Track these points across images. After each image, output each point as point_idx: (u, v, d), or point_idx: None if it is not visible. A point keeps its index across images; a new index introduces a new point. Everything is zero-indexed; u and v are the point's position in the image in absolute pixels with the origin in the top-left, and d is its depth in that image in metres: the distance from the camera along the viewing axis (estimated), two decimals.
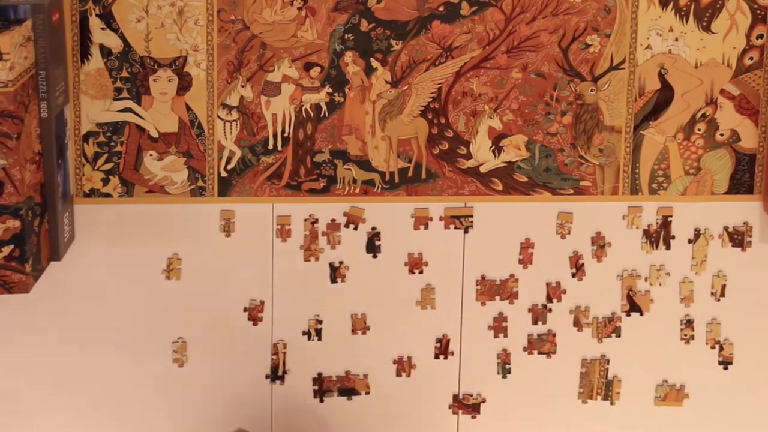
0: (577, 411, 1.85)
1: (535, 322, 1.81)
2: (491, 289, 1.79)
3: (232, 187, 1.74)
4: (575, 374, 1.84)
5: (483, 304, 1.80)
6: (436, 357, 1.81)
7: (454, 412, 1.84)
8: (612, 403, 1.85)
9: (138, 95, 1.70)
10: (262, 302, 1.77)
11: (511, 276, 1.80)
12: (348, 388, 1.81)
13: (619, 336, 1.82)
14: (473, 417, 1.84)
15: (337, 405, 1.82)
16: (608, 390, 1.84)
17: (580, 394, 1.85)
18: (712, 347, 1.83)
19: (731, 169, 1.78)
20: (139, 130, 1.71)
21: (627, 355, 1.83)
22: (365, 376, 1.81)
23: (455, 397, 1.84)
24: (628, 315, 1.82)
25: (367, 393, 1.81)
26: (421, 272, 1.78)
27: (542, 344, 1.83)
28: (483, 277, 1.79)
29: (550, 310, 1.81)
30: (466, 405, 1.84)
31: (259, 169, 1.74)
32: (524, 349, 1.82)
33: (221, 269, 1.76)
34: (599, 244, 1.80)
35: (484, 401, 1.84)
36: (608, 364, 1.84)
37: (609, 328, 1.82)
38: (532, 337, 1.82)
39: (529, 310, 1.81)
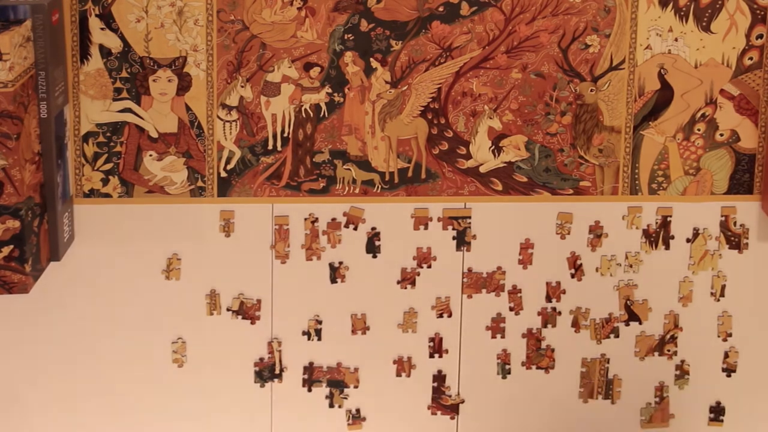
0: (578, 410, 1.85)
1: (545, 325, 1.81)
2: (484, 284, 1.80)
3: (232, 187, 1.74)
4: (576, 373, 1.84)
5: (470, 295, 1.80)
6: (431, 356, 1.81)
7: (452, 418, 1.84)
8: (613, 402, 1.85)
9: (138, 95, 1.70)
10: (259, 301, 1.77)
11: (514, 287, 1.80)
12: (337, 380, 1.81)
13: (617, 336, 1.82)
14: (471, 417, 1.84)
15: None
16: (609, 389, 1.84)
17: (580, 393, 1.85)
18: (724, 340, 1.83)
19: (731, 169, 1.78)
20: (138, 131, 1.71)
21: (626, 354, 1.83)
22: (356, 369, 1.81)
23: (455, 397, 1.84)
24: (627, 324, 1.82)
25: (356, 387, 1.82)
26: (429, 266, 1.78)
27: (542, 359, 1.83)
28: (491, 276, 1.80)
29: (554, 309, 1.81)
30: (463, 405, 1.84)
31: (259, 169, 1.74)
32: (525, 354, 1.82)
33: (221, 269, 1.76)
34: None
35: (481, 401, 1.84)
36: (608, 363, 1.84)
37: (607, 328, 1.82)
38: (532, 335, 1.82)
39: (539, 313, 1.81)
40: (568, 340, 1.82)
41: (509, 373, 1.83)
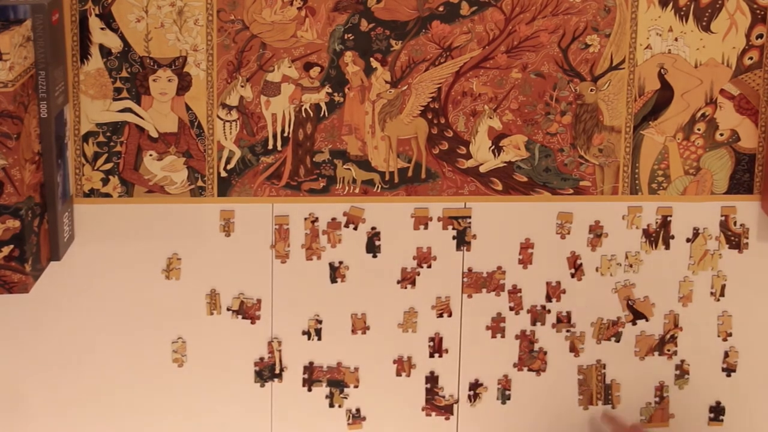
0: (577, 409, 1.85)
1: (533, 323, 1.82)
2: (485, 284, 1.80)
3: (232, 187, 1.74)
4: (574, 374, 1.84)
5: (470, 295, 1.80)
6: (431, 356, 1.81)
7: (446, 419, 1.84)
8: (614, 407, 1.85)
9: (138, 95, 1.70)
10: (259, 300, 1.77)
11: (514, 287, 1.80)
12: (337, 380, 1.81)
13: (618, 341, 1.82)
14: (471, 417, 1.84)
15: None
16: (608, 394, 1.84)
17: (580, 401, 1.85)
18: (724, 340, 1.83)
19: (731, 169, 1.78)
20: (138, 130, 1.71)
21: (626, 355, 1.83)
22: (356, 369, 1.81)
23: (452, 398, 1.84)
24: (634, 324, 1.82)
25: (356, 387, 1.81)
26: (429, 266, 1.78)
27: (534, 362, 1.83)
28: (491, 276, 1.80)
29: (549, 311, 1.81)
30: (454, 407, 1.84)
31: (259, 169, 1.74)
32: (520, 357, 1.82)
33: (221, 269, 1.76)
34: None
35: (481, 402, 1.84)
36: (605, 368, 1.83)
37: (611, 331, 1.82)
38: (530, 339, 1.82)
39: (528, 311, 1.81)
40: (565, 341, 1.82)
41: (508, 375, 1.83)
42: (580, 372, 1.83)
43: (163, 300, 1.76)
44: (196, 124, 1.72)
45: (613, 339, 1.82)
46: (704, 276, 1.81)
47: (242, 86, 1.71)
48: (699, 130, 1.77)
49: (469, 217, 1.77)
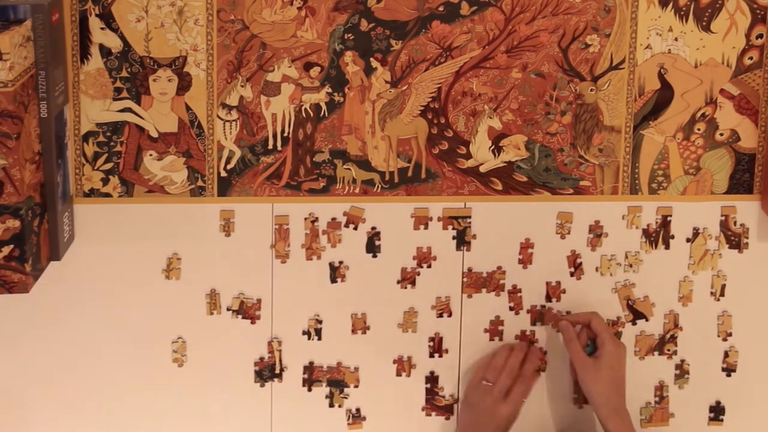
0: (575, 410, 1.85)
1: (533, 323, 1.82)
2: (484, 284, 1.80)
3: (232, 186, 1.74)
4: (569, 378, 1.84)
5: (470, 295, 1.80)
6: (431, 356, 1.81)
7: (447, 419, 1.84)
8: None
9: (138, 95, 1.70)
10: (259, 300, 1.77)
11: (514, 287, 1.80)
12: (337, 380, 1.81)
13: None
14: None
15: None
16: None
17: (575, 399, 1.85)
18: (724, 340, 1.83)
19: (731, 169, 1.78)
20: (138, 130, 1.71)
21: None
22: (356, 369, 1.81)
23: (452, 398, 1.84)
24: (634, 324, 1.82)
25: (356, 387, 1.81)
26: (429, 267, 1.78)
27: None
28: (490, 276, 1.80)
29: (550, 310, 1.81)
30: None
31: (259, 169, 1.74)
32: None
33: (221, 269, 1.76)
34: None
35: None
36: None
37: (611, 330, 1.82)
38: (530, 339, 1.82)
39: (528, 311, 1.81)
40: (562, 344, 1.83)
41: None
42: None
43: (163, 300, 1.76)
44: (196, 124, 1.72)
45: None
46: (704, 276, 1.81)
47: (242, 86, 1.71)
48: (699, 130, 1.77)
49: (469, 217, 1.78)
